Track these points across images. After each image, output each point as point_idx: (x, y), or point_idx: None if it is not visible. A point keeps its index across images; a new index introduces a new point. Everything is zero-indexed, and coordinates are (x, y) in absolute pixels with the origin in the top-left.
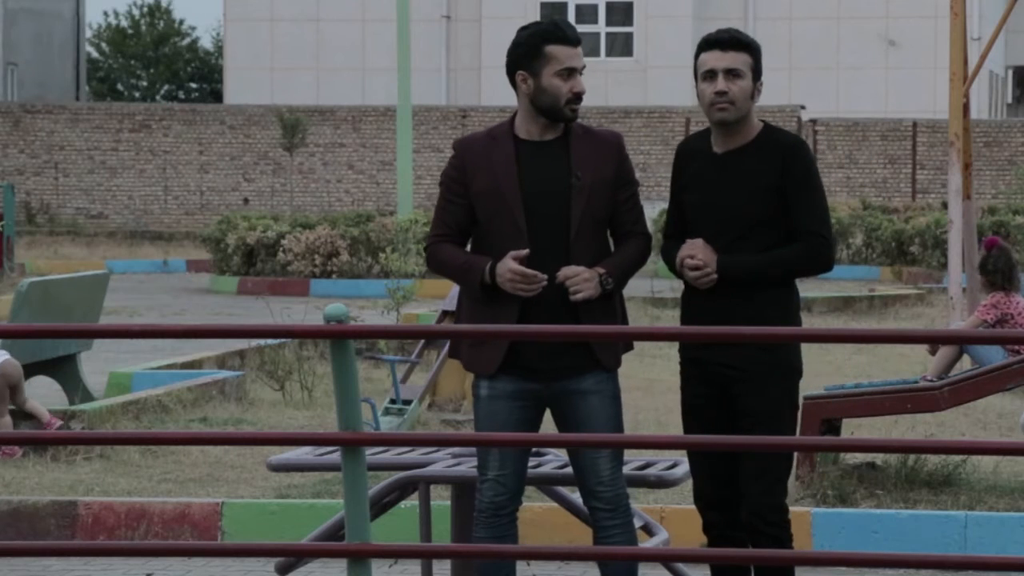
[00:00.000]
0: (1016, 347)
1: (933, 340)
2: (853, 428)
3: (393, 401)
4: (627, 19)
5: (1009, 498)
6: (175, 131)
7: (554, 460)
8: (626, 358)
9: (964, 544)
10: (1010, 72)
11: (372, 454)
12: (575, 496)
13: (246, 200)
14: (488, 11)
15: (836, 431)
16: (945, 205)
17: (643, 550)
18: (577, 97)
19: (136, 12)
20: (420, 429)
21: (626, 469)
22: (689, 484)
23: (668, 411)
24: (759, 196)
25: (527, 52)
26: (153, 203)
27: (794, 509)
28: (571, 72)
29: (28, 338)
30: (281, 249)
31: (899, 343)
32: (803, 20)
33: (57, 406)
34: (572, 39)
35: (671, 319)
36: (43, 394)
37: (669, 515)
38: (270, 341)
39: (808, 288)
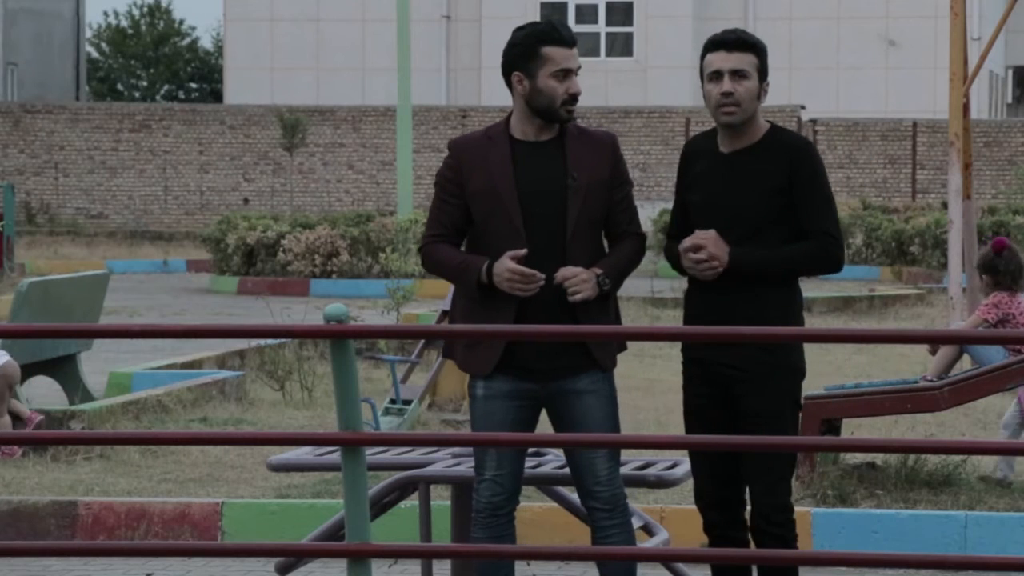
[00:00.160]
0: (1017, 347)
1: (933, 340)
2: (853, 428)
3: (393, 401)
4: (627, 19)
5: (1009, 498)
6: (175, 131)
7: (554, 460)
8: (626, 358)
9: (964, 544)
10: (1010, 72)
11: (372, 454)
12: (575, 496)
13: (246, 200)
14: (488, 11)
15: (836, 431)
16: (945, 205)
17: (643, 550)
18: (573, 98)
19: (136, 12)
20: (420, 429)
21: (626, 469)
22: (689, 484)
23: (668, 411)
24: (765, 197)
25: (523, 53)
26: (153, 203)
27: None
28: (567, 73)
29: (28, 338)
30: (281, 249)
31: (899, 343)
32: (803, 20)
33: (57, 406)
34: (568, 40)
35: (671, 319)
36: (43, 394)
37: (669, 515)
38: (270, 341)
39: (808, 288)
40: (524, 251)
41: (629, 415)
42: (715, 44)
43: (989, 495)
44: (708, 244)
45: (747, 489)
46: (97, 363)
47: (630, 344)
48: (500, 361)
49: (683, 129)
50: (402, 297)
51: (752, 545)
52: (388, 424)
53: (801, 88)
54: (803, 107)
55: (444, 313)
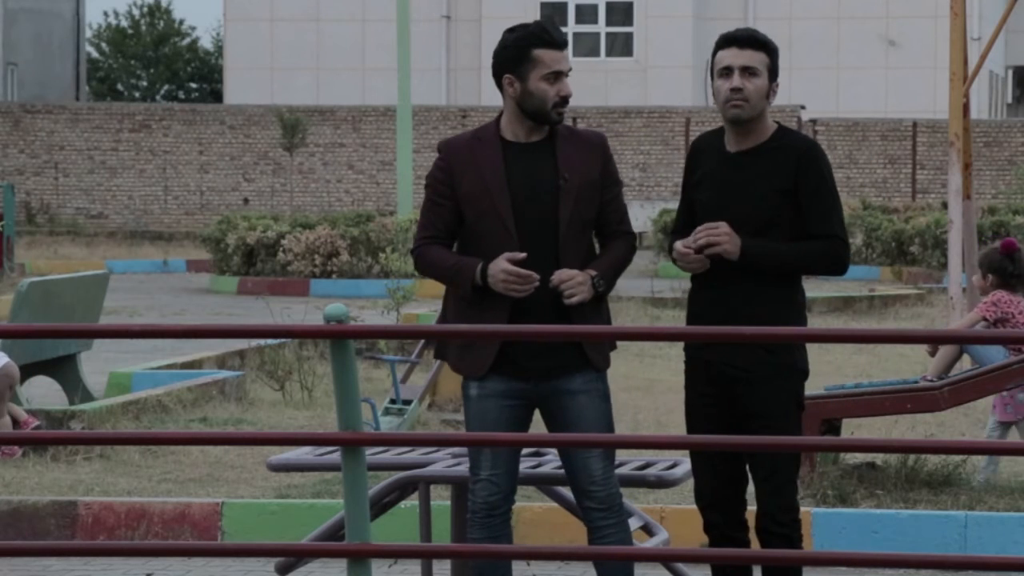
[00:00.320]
0: (1017, 347)
1: (933, 340)
2: (853, 428)
3: (393, 401)
4: (627, 19)
5: (1009, 498)
6: (175, 131)
7: (554, 460)
8: (626, 358)
9: (964, 544)
10: (1010, 72)
11: (372, 454)
12: None
13: (246, 200)
14: (488, 11)
15: (836, 431)
16: (945, 205)
17: (643, 550)
18: (564, 100)
19: (136, 12)
20: (420, 429)
21: (626, 469)
22: (689, 484)
23: (668, 411)
24: (770, 198)
25: (514, 56)
26: (153, 203)
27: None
28: (558, 76)
29: (28, 338)
30: (281, 249)
31: (899, 343)
32: (803, 20)
33: (57, 406)
34: (559, 42)
35: (671, 319)
36: (43, 394)
37: (669, 515)
38: (270, 341)
39: (808, 288)
40: (523, 255)
41: (629, 415)
42: (727, 41)
43: (989, 495)
44: (722, 240)
45: (748, 489)
46: (97, 363)
47: (630, 344)
48: (494, 362)
49: (683, 129)
50: (402, 297)
51: (754, 545)
52: (388, 424)
53: (801, 88)
54: (803, 107)
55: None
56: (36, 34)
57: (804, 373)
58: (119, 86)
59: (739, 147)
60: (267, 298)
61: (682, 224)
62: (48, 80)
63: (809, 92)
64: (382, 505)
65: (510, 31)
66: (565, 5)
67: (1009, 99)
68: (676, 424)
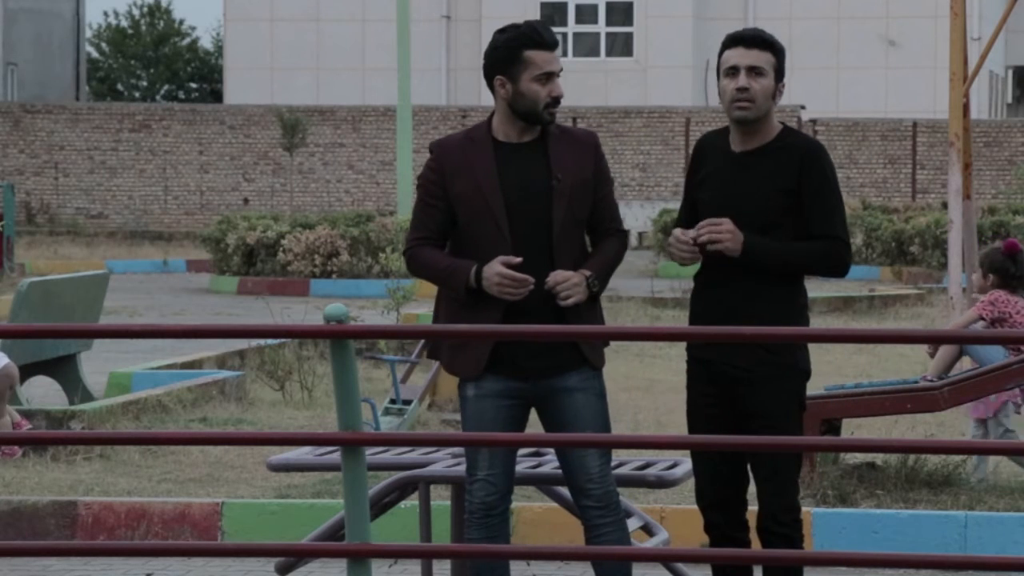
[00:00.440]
0: (1017, 347)
1: (933, 340)
2: (853, 428)
3: (393, 401)
4: (627, 19)
5: (1009, 498)
6: (175, 131)
7: (553, 460)
8: (626, 358)
9: (964, 544)
10: (1010, 72)
11: (372, 454)
12: None
13: (246, 200)
14: (488, 11)
15: (836, 431)
16: (945, 205)
17: (643, 550)
18: (555, 101)
19: (136, 12)
20: (420, 429)
21: (626, 469)
22: (689, 484)
23: (668, 411)
24: (773, 198)
25: (505, 57)
26: (153, 203)
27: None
28: (549, 76)
29: (28, 338)
30: (281, 249)
31: (899, 343)
32: (803, 20)
33: (57, 406)
34: (549, 43)
35: (671, 319)
36: (43, 394)
37: (669, 515)
38: (270, 341)
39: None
40: (519, 259)
41: (629, 415)
42: (733, 40)
43: (989, 495)
44: (725, 238)
45: (749, 489)
46: (97, 363)
47: (630, 344)
48: (489, 362)
49: (683, 129)
50: (402, 297)
51: (755, 545)
52: (388, 424)
53: (801, 88)
54: (803, 107)
55: None
56: (36, 34)
57: (806, 373)
58: (119, 86)
59: (744, 147)
60: (267, 298)
61: (684, 222)
62: (48, 80)
63: (809, 92)
64: (382, 505)
65: (501, 32)
66: (565, 5)
67: (1009, 99)
68: (676, 424)
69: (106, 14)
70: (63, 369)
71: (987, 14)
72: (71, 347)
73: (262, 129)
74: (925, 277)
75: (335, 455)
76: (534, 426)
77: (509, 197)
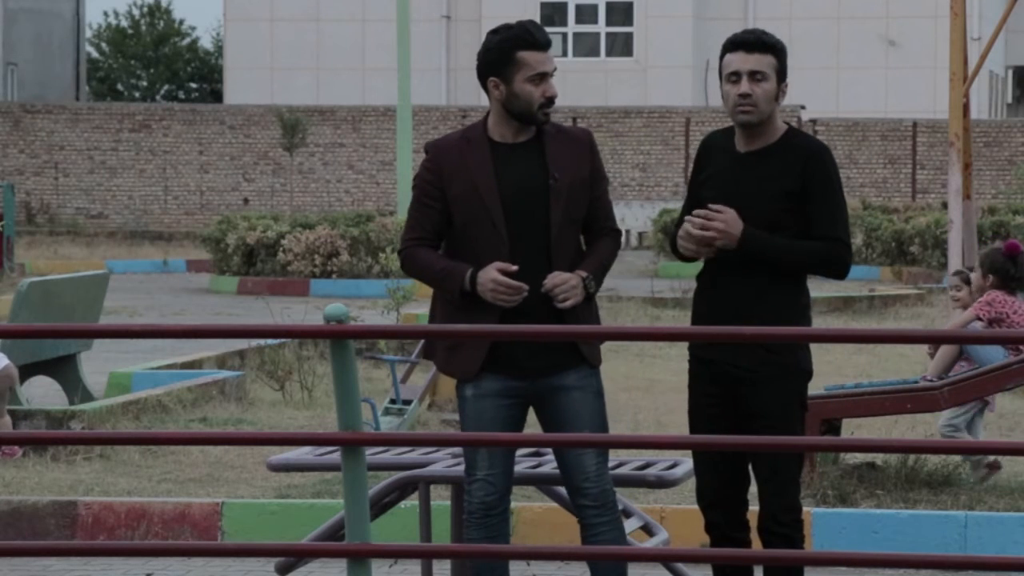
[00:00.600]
0: (1016, 347)
1: (933, 340)
2: (853, 428)
3: (393, 401)
4: (627, 19)
5: (1009, 498)
6: (175, 131)
7: (553, 460)
8: (626, 358)
9: (964, 544)
10: (1010, 72)
11: (372, 454)
12: None
13: (246, 200)
14: (488, 11)
15: (836, 431)
16: (945, 205)
17: (643, 550)
18: (549, 101)
19: (136, 12)
20: (420, 429)
21: (626, 469)
22: (689, 484)
23: (668, 411)
24: (777, 199)
25: (498, 58)
26: (153, 203)
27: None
28: (543, 77)
29: (28, 338)
30: (281, 249)
31: (899, 343)
32: (803, 20)
33: (57, 406)
34: (542, 43)
35: (671, 319)
36: (43, 394)
37: (669, 515)
38: (270, 341)
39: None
40: (515, 267)
41: (629, 415)
42: (734, 44)
43: (989, 495)
44: (721, 227)
45: (750, 489)
46: (97, 363)
47: (630, 344)
48: (488, 361)
49: (683, 129)
50: (402, 297)
51: (755, 545)
52: (388, 424)
53: (801, 88)
54: (803, 107)
55: None
56: (36, 34)
57: (808, 374)
58: (119, 86)
59: (748, 147)
60: (267, 298)
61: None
62: (48, 80)
63: (809, 92)
64: (382, 505)
65: (493, 32)
66: (565, 5)
67: (1009, 99)
68: (676, 424)
69: (106, 14)
70: (63, 369)
71: (987, 14)
72: (71, 347)
73: (262, 129)
74: (925, 277)
75: (335, 455)
76: (533, 426)
77: (506, 197)
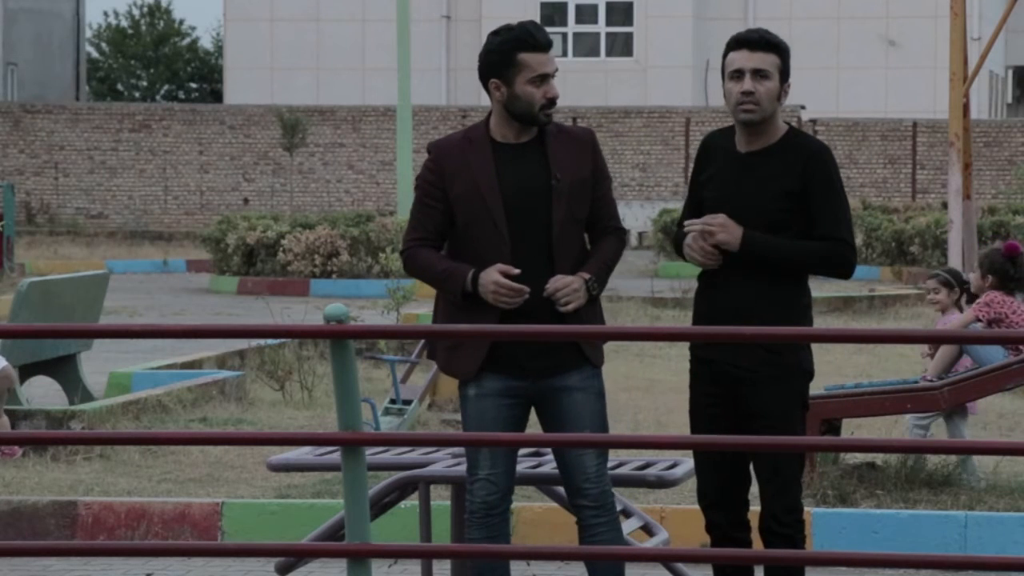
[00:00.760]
0: (1016, 347)
1: (933, 340)
2: (853, 428)
3: (393, 401)
4: (627, 19)
5: (1009, 498)
6: (175, 131)
7: (553, 460)
8: (626, 358)
9: (964, 544)
10: (1010, 72)
11: (372, 454)
12: None
13: (246, 200)
14: (488, 11)
15: (836, 431)
16: (945, 205)
17: (643, 550)
18: (551, 102)
19: (136, 12)
20: (420, 429)
21: (626, 469)
22: (689, 484)
23: (668, 411)
24: (778, 199)
25: (499, 61)
26: (153, 203)
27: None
28: (544, 78)
29: (28, 338)
30: (281, 249)
31: (899, 343)
32: (803, 20)
33: (57, 406)
34: (543, 44)
35: (671, 319)
36: (43, 394)
37: (669, 515)
38: (270, 341)
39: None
40: (517, 270)
41: (629, 415)
42: (738, 43)
43: (989, 495)
44: (717, 231)
45: (751, 489)
46: (97, 363)
47: (630, 344)
48: (490, 361)
49: (683, 129)
50: (402, 297)
51: (756, 545)
52: (388, 424)
53: (801, 88)
54: (803, 107)
55: None
56: (36, 34)
57: (809, 374)
58: (119, 86)
59: (749, 147)
60: (267, 298)
61: (688, 220)
62: (48, 80)
63: (809, 92)
64: (382, 505)
65: (494, 34)
66: (565, 5)
67: (1009, 99)
68: (676, 424)
69: (106, 14)
70: (63, 369)
71: (987, 14)
72: (71, 347)
73: (262, 129)
74: (925, 277)
75: (335, 455)
76: (533, 426)
77: (508, 198)
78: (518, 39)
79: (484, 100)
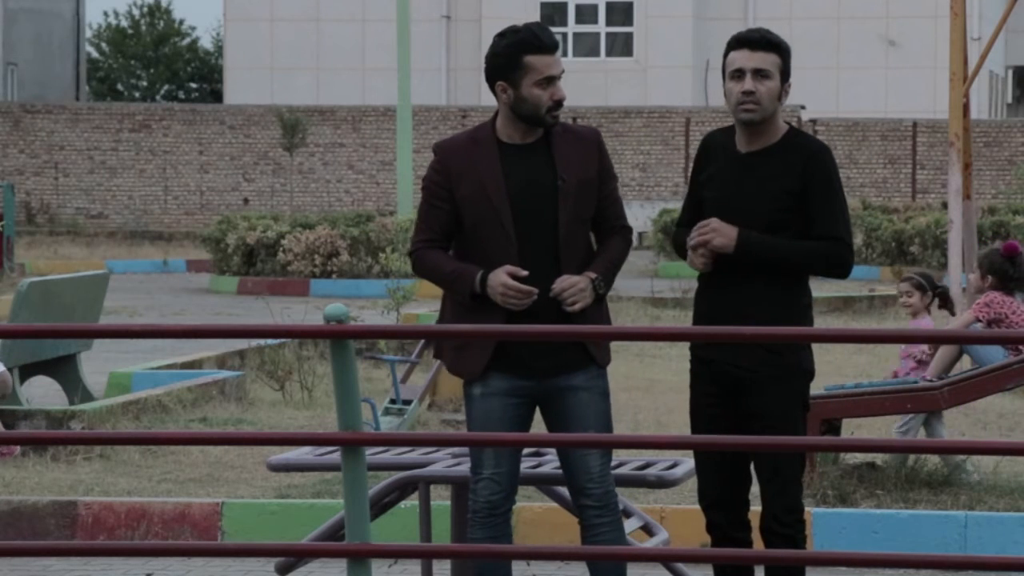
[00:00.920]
0: (1016, 347)
1: (933, 340)
2: (853, 428)
3: (393, 401)
4: (627, 19)
5: (1009, 498)
6: (175, 131)
7: (554, 460)
8: (626, 358)
9: (964, 544)
10: (1010, 72)
11: (372, 454)
12: None
13: (246, 200)
14: (488, 11)
15: (836, 431)
16: (945, 205)
17: (643, 550)
18: (558, 104)
19: (136, 12)
20: (420, 429)
21: (626, 469)
22: (689, 484)
23: (668, 411)
24: (778, 199)
25: (505, 63)
26: (153, 203)
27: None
28: (550, 80)
29: (28, 338)
30: (281, 249)
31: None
32: (803, 20)
33: (57, 406)
34: (549, 46)
35: (671, 319)
36: (43, 394)
37: (669, 515)
38: (270, 341)
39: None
40: (525, 272)
41: (629, 415)
42: (739, 42)
43: (989, 495)
44: (711, 238)
45: (751, 489)
46: (97, 363)
47: (630, 344)
48: (496, 361)
49: (683, 129)
50: (402, 297)
51: (757, 545)
52: (388, 424)
53: (801, 88)
54: (803, 107)
55: None
56: (36, 34)
57: (810, 374)
58: (119, 86)
59: (749, 147)
60: (267, 298)
61: (687, 220)
62: (48, 80)
63: (809, 92)
64: (382, 505)
65: (500, 36)
66: (565, 5)
67: (1009, 99)
68: (676, 424)
69: (106, 14)
70: (63, 369)
71: (987, 14)
72: (71, 347)
73: (262, 129)
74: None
75: (335, 455)
76: (537, 425)
77: (515, 198)
78: (524, 41)
79: (484, 100)
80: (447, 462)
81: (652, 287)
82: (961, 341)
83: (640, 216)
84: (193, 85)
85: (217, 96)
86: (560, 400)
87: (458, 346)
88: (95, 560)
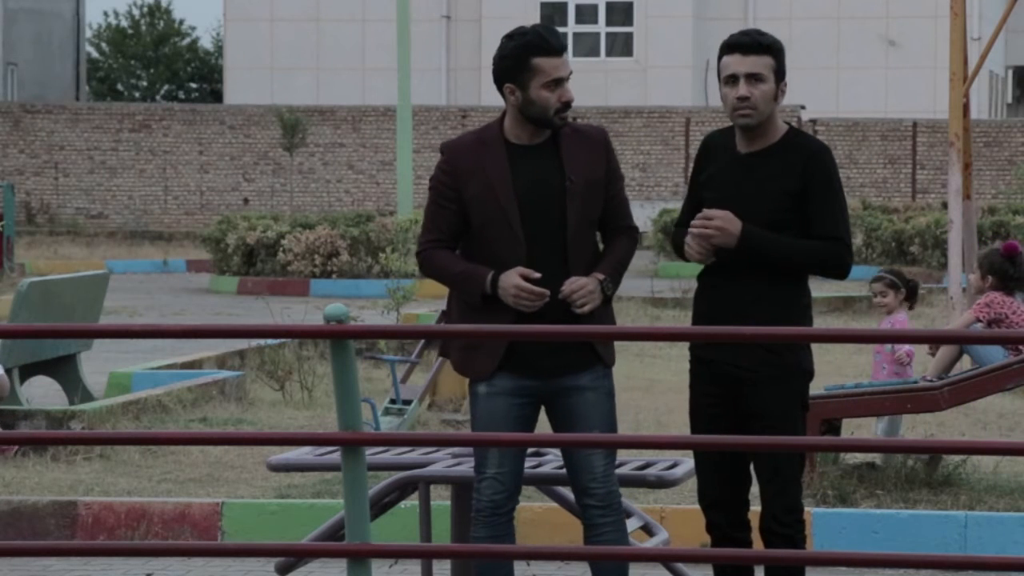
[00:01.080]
0: (1016, 347)
1: (933, 340)
2: (853, 428)
3: (393, 401)
4: (627, 19)
5: (1009, 498)
6: (175, 131)
7: (554, 460)
8: (626, 358)
9: (964, 544)
10: (1010, 72)
11: (372, 454)
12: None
13: (246, 200)
14: (488, 11)
15: (836, 431)
16: (945, 205)
17: (643, 550)
18: (566, 106)
19: (136, 12)
20: (420, 429)
21: (626, 469)
22: (689, 484)
23: (668, 411)
24: (778, 199)
25: (513, 65)
26: (153, 203)
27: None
28: (559, 82)
29: (28, 338)
30: (281, 249)
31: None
32: (803, 20)
33: (57, 406)
34: (557, 48)
35: (671, 319)
36: (43, 394)
37: (669, 515)
38: (270, 341)
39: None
40: (538, 274)
41: (629, 415)
42: (730, 47)
43: (989, 495)
44: (714, 235)
45: (751, 489)
46: (97, 363)
47: (630, 344)
48: (502, 360)
49: (683, 129)
50: (402, 297)
51: (757, 545)
52: (388, 424)
53: (801, 88)
54: (803, 107)
55: (444, 313)
56: (36, 34)
57: (809, 374)
58: (119, 86)
59: (749, 148)
60: (267, 298)
61: (687, 220)
62: (48, 80)
63: (809, 92)
64: (382, 505)
65: (508, 38)
66: (565, 5)
67: (1009, 99)
68: (676, 424)
69: (106, 14)
70: (63, 369)
71: (987, 14)
72: (71, 347)
73: (262, 129)
74: (925, 277)
75: (335, 455)
76: (539, 425)
77: (522, 199)
78: (532, 43)
79: (484, 100)
80: (447, 462)
81: (652, 287)
82: (961, 341)
83: (640, 216)
84: (193, 85)
85: (217, 96)
86: (566, 400)
87: (466, 346)
88: (95, 560)
